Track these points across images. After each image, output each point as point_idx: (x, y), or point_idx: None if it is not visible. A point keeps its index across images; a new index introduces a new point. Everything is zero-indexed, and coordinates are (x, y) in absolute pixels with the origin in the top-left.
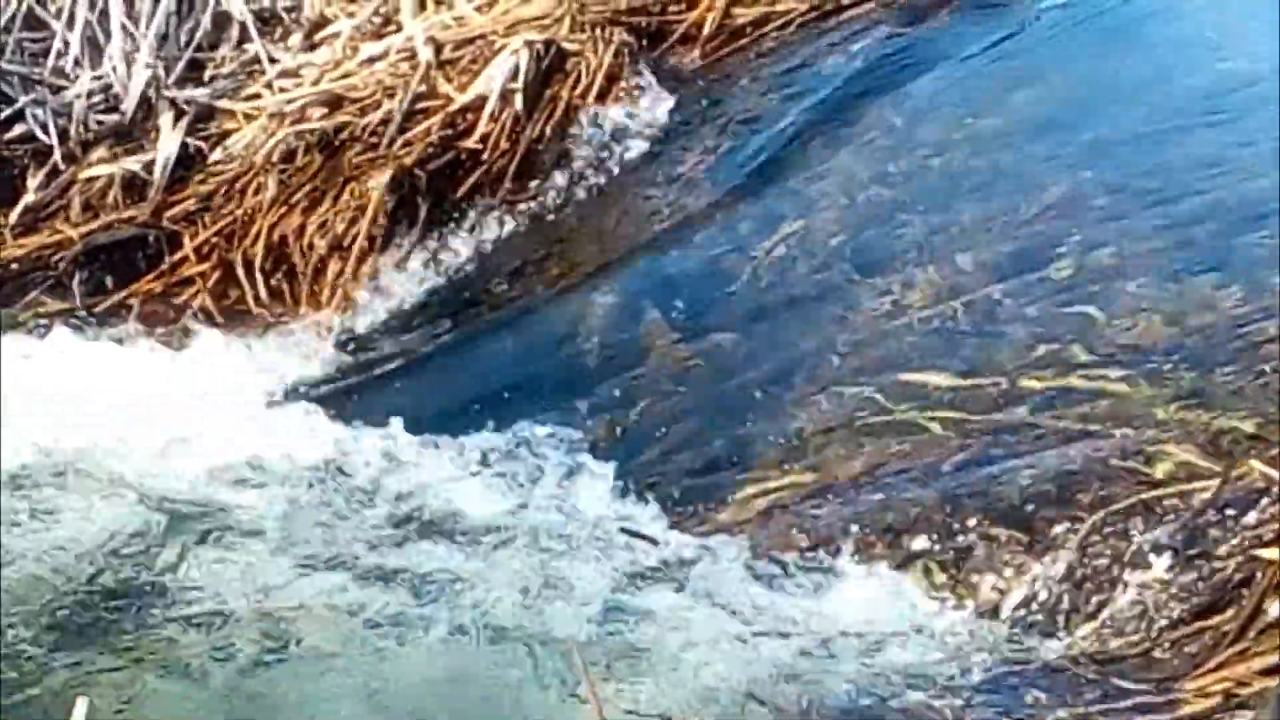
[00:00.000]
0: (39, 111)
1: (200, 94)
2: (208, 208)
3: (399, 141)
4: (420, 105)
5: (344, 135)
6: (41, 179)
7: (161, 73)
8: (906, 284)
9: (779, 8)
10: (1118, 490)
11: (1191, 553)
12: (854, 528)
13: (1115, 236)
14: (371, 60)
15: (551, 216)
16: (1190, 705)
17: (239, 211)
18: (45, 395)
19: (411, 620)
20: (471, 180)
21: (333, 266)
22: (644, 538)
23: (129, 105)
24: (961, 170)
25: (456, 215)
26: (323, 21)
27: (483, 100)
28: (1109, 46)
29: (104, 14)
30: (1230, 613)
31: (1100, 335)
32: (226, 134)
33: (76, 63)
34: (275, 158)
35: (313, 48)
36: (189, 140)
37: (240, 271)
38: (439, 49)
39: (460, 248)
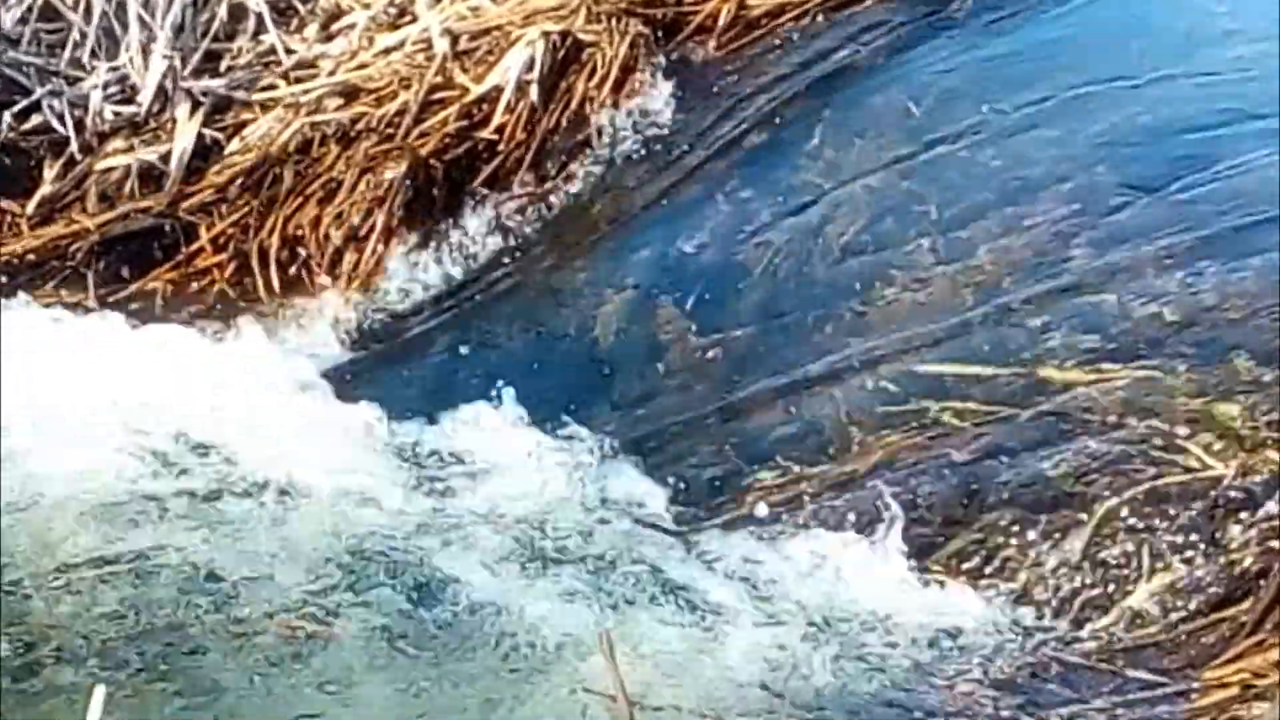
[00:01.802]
0: (55, 102)
1: (217, 85)
2: (224, 198)
3: (415, 132)
4: (436, 96)
5: (360, 126)
6: (58, 170)
7: (178, 64)
8: (922, 275)
9: None
10: (1134, 481)
11: (1208, 544)
12: (871, 520)
13: (1131, 227)
14: (387, 51)
15: (566, 208)
16: (1207, 696)
17: (255, 202)
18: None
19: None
20: (488, 171)
21: (349, 257)
22: (660, 529)
23: (145, 96)
24: (978, 161)
25: (472, 206)
26: (338, 12)
27: (499, 91)
28: (1125, 36)
29: (120, 5)
30: (1247, 604)
31: (1117, 326)
32: (243, 125)
33: (93, 54)
34: (291, 149)
35: (329, 39)
36: (205, 131)
37: (256, 262)
38: (455, 40)
39: (476, 239)
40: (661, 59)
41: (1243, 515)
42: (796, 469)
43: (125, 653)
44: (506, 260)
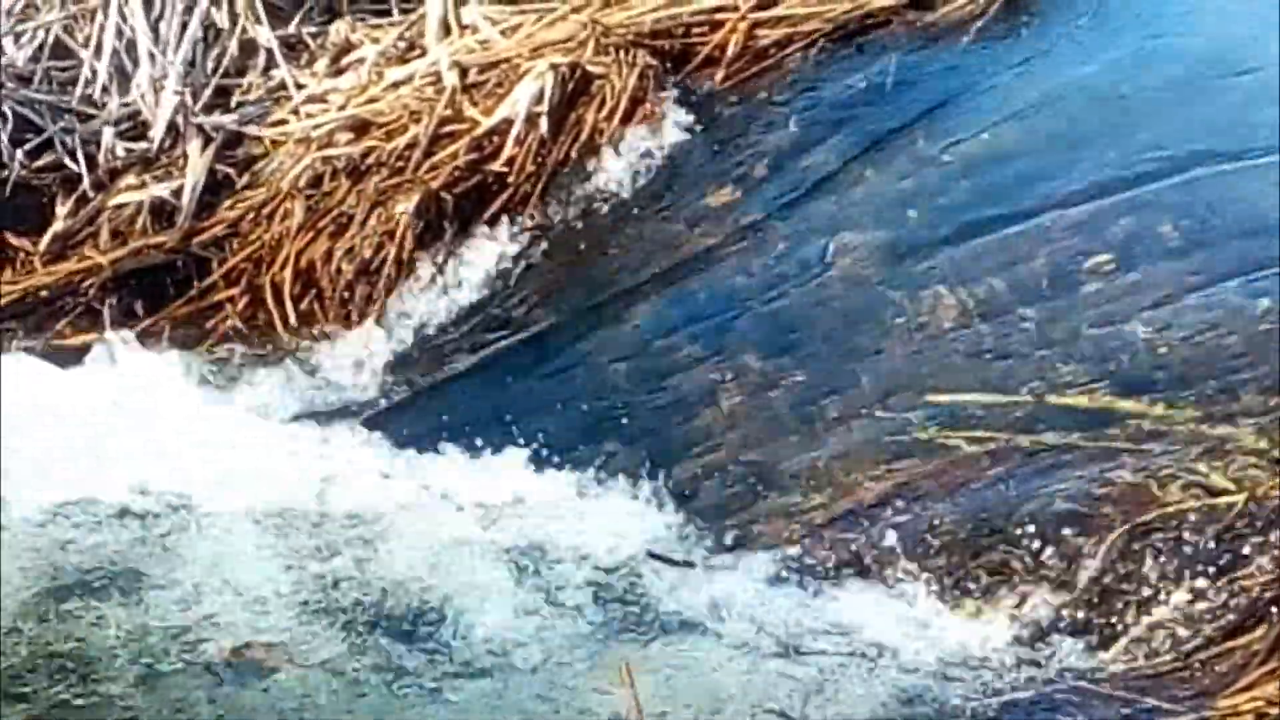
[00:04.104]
0: (68, 139)
1: (228, 120)
2: (236, 233)
3: (425, 165)
4: (446, 129)
5: (370, 160)
6: (70, 206)
7: (189, 99)
8: (935, 304)
9: (802, 29)
10: (1146, 509)
11: (1220, 571)
12: (882, 548)
13: (1142, 255)
14: (397, 85)
15: (577, 240)
16: None
17: (267, 237)
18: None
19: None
20: (498, 203)
21: (360, 291)
22: (672, 561)
23: (157, 132)
24: (987, 190)
25: (483, 239)
26: (348, 47)
27: (508, 123)
28: (1132, 64)
29: (131, 42)
30: (1260, 631)
31: (1128, 354)
32: (254, 160)
33: (105, 90)
34: (302, 183)
35: (339, 73)
36: (217, 166)
37: (269, 296)
38: (464, 73)
39: (487, 272)
40: (671, 90)
41: (1255, 542)
42: (810, 498)
43: None
44: (516, 292)
